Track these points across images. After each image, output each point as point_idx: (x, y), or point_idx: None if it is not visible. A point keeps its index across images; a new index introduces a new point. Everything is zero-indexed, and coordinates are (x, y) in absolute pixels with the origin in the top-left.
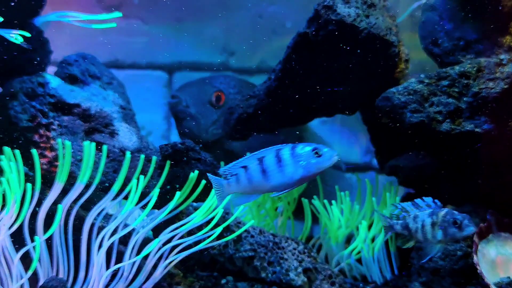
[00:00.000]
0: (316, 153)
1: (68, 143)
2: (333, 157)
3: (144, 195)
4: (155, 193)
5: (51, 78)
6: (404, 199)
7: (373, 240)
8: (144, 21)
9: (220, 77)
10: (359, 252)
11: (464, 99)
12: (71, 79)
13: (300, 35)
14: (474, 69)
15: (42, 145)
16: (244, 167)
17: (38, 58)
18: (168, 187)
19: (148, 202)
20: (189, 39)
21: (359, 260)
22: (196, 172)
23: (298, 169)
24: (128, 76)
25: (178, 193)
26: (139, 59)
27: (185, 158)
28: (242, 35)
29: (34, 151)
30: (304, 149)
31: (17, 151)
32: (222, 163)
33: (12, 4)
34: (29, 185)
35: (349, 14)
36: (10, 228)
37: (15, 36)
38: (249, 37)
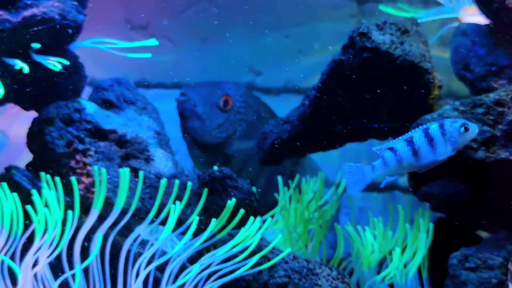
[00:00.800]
0: (465, 128)
1: (103, 170)
2: (477, 129)
3: (179, 222)
4: (195, 220)
5: (87, 103)
6: (436, 223)
7: (405, 265)
8: (171, 41)
9: (229, 83)
10: (391, 278)
11: (499, 127)
12: (107, 104)
13: (335, 62)
14: (509, 96)
15: (78, 171)
16: (390, 148)
17: (74, 83)
18: (202, 217)
19: (187, 229)
20: (215, 59)
21: (391, 286)
22: (234, 200)
23: (449, 145)
24: (154, 95)
25: (214, 220)
26: (165, 79)
27: (222, 186)
28: (269, 55)
29: (73, 179)
30: (453, 125)
31: (58, 178)
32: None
33: (50, 31)
34: (69, 212)
35: (384, 42)
36: (49, 256)
37: (53, 63)
38: (275, 57)
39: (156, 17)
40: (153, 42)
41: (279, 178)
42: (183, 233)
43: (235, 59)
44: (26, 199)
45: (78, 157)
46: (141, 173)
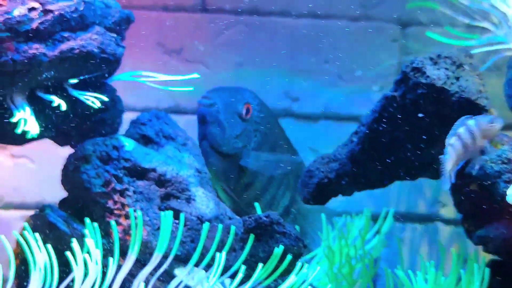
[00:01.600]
0: None
1: (140, 214)
2: None
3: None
4: (241, 268)
5: (126, 140)
6: (490, 266)
7: None
8: (205, 65)
9: (248, 90)
10: None
11: None
12: (145, 140)
13: (387, 98)
14: None
15: (116, 212)
16: None
17: (111, 118)
18: (246, 267)
19: (233, 275)
20: (250, 84)
21: None
22: (281, 247)
23: None
24: (189, 122)
25: (260, 268)
26: None
27: (269, 233)
28: (307, 80)
29: (113, 226)
30: None
31: (96, 225)
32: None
33: (88, 65)
34: (109, 258)
35: (439, 77)
36: None
37: (91, 99)
38: (314, 83)
39: (190, 40)
40: (195, 75)
41: (323, 216)
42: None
43: (271, 84)
44: (60, 240)
45: (116, 197)
46: (182, 216)
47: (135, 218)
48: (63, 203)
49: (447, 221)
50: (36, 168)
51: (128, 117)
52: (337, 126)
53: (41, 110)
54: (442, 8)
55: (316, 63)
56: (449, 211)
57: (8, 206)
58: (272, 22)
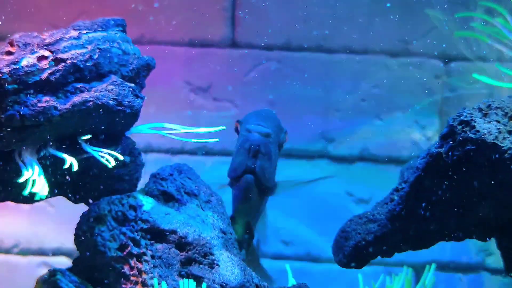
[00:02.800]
0: None
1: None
2: None
3: None
4: None
5: (144, 199)
6: None
7: None
8: (234, 104)
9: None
10: None
11: None
12: (165, 197)
13: (432, 155)
14: None
15: (132, 278)
16: None
17: (129, 174)
18: None
19: None
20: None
21: None
22: None
23: None
24: (217, 162)
25: None
26: (228, 145)
27: None
28: (343, 120)
29: None
30: None
31: None
32: None
33: (103, 118)
34: None
35: (489, 131)
36: None
37: (106, 157)
38: (350, 123)
39: (218, 78)
40: (221, 129)
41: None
42: None
43: (305, 124)
44: None
45: (132, 262)
46: (204, 286)
47: None
48: (76, 265)
49: (493, 271)
50: (55, 212)
51: (151, 158)
52: (375, 169)
53: (53, 166)
54: (491, 42)
55: (352, 101)
56: (495, 260)
57: (26, 252)
58: (305, 57)
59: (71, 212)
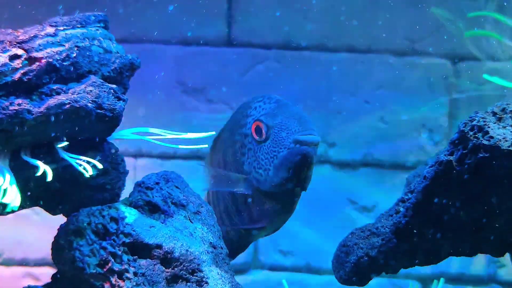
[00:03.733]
0: None
1: None
2: None
3: None
4: None
5: (127, 210)
6: None
7: None
8: (230, 106)
9: None
10: None
11: None
12: (151, 208)
13: (441, 164)
14: None
15: None
16: None
17: (111, 182)
18: None
19: None
20: None
21: None
22: None
23: None
24: None
25: None
26: None
27: None
28: (345, 124)
29: None
30: None
31: None
32: None
33: (81, 122)
34: None
35: (504, 138)
36: None
37: (84, 165)
38: (352, 125)
39: (213, 78)
40: (211, 134)
41: None
42: None
43: None
44: None
45: (113, 280)
46: None
47: None
48: (54, 281)
49: (505, 284)
50: (40, 220)
51: (142, 163)
52: (379, 175)
53: (27, 174)
54: (504, 41)
55: (355, 103)
56: (508, 272)
57: (9, 262)
58: (306, 56)
59: (58, 220)
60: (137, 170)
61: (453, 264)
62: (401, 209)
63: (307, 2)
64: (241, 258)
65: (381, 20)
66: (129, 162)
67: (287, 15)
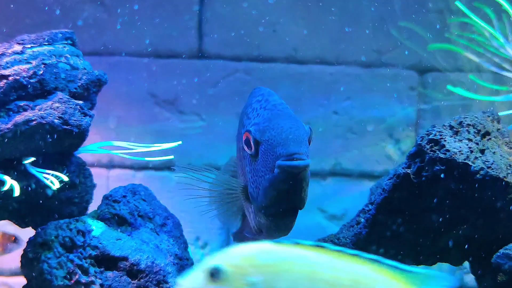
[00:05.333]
0: None
1: None
2: None
3: None
4: None
5: (93, 223)
6: None
7: None
8: (201, 117)
9: None
10: None
11: None
12: (118, 221)
13: (399, 177)
14: None
15: None
16: None
17: (79, 196)
18: None
19: None
20: None
21: None
22: None
23: None
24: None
25: None
26: (195, 159)
27: None
28: (315, 134)
29: None
30: None
31: None
32: None
33: (48, 138)
34: None
35: (460, 151)
36: None
37: (50, 179)
38: (322, 136)
39: (184, 90)
40: (176, 144)
41: None
42: None
43: None
44: None
45: None
46: None
47: None
48: None
49: None
50: (14, 230)
51: (114, 174)
52: (348, 184)
53: None
54: (466, 54)
55: (324, 114)
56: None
57: None
58: (275, 68)
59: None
60: (110, 181)
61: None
62: (362, 220)
63: (277, 16)
64: None
65: (349, 32)
66: (101, 173)
67: (257, 28)
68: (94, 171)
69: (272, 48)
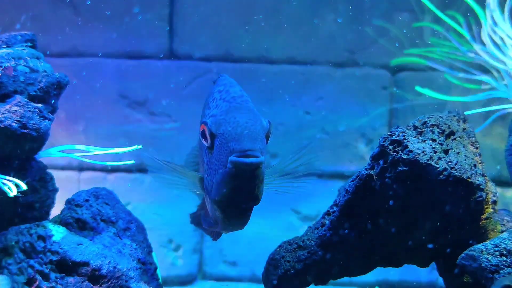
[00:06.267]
0: None
1: None
2: None
3: None
4: None
5: (54, 228)
6: None
7: None
8: (172, 119)
9: None
10: None
11: None
12: (80, 226)
13: (362, 178)
14: None
15: None
16: None
17: (40, 201)
18: None
19: None
20: None
21: None
22: None
23: None
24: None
25: None
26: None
27: None
28: (286, 134)
29: None
30: None
31: None
32: None
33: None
34: None
35: (423, 151)
36: None
37: (8, 186)
38: (294, 136)
39: (155, 92)
40: (136, 147)
41: None
42: None
43: None
44: None
45: None
46: None
47: None
48: None
49: None
50: None
51: (86, 176)
52: (321, 184)
53: None
54: (435, 60)
55: (296, 114)
56: None
57: None
58: (247, 69)
59: None
60: (81, 183)
61: (394, 271)
62: (326, 221)
63: (248, 16)
64: (185, 269)
65: (321, 32)
66: (73, 175)
67: (228, 28)
68: (65, 174)
69: (243, 48)
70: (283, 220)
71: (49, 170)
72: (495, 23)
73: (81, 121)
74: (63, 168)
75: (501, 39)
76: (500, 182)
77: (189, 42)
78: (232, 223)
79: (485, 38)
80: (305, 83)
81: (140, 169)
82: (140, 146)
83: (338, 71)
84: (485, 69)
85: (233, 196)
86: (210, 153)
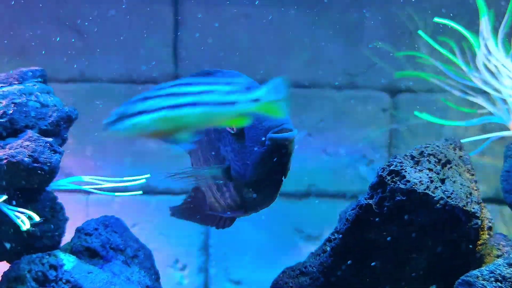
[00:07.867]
0: None
1: None
2: None
3: None
4: None
5: (65, 257)
6: None
7: None
8: None
9: None
10: None
11: None
12: (90, 254)
13: (361, 207)
14: None
15: None
16: None
17: (51, 230)
18: None
19: None
20: None
21: None
22: None
23: None
24: (162, 201)
25: None
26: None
27: None
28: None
29: None
30: None
31: None
32: None
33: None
34: None
35: (420, 181)
36: None
37: (22, 218)
38: (296, 158)
39: None
40: (146, 176)
41: None
42: None
43: None
44: None
45: None
46: None
47: None
48: None
49: None
50: None
51: (93, 199)
52: (324, 204)
53: None
54: (434, 79)
55: (298, 136)
56: None
57: None
58: None
59: None
60: (89, 206)
61: None
62: (328, 248)
63: (250, 42)
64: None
65: (321, 56)
66: (81, 198)
67: (230, 53)
68: (73, 196)
69: (246, 73)
70: (287, 240)
71: (58, 195)
72: (489, 52)
73: (88, 146)
74: (72, 190)
75: (495, 67)
76: (499, 201)
77: (193, 67)
78: (265, 200)
79: (479, 65)
80: (305, 104)
81: (147, 191)
82: (148, 175)
83: (338, 93)
84: (482, 91)
85: (270, 172)
86: (236, 140)
